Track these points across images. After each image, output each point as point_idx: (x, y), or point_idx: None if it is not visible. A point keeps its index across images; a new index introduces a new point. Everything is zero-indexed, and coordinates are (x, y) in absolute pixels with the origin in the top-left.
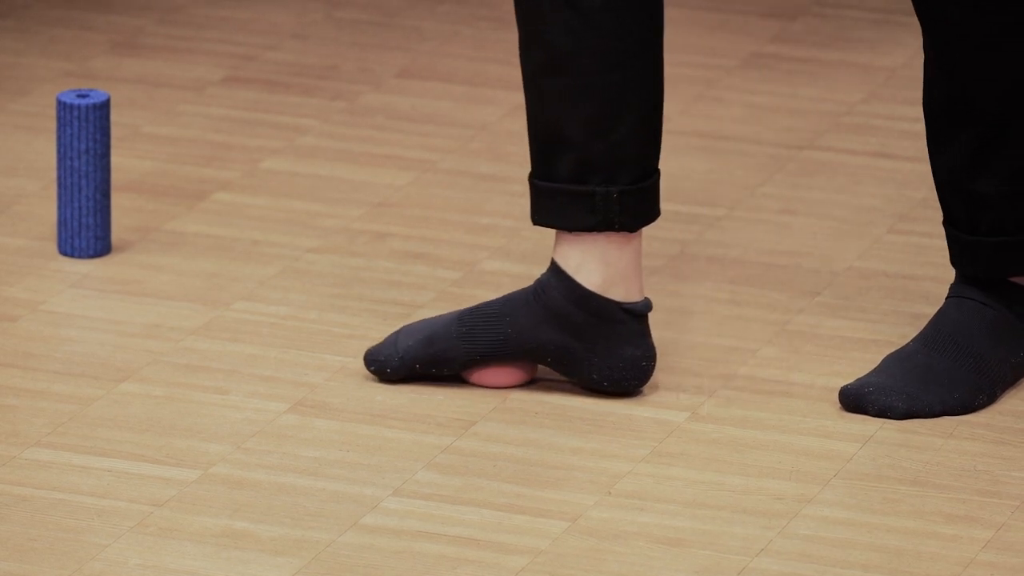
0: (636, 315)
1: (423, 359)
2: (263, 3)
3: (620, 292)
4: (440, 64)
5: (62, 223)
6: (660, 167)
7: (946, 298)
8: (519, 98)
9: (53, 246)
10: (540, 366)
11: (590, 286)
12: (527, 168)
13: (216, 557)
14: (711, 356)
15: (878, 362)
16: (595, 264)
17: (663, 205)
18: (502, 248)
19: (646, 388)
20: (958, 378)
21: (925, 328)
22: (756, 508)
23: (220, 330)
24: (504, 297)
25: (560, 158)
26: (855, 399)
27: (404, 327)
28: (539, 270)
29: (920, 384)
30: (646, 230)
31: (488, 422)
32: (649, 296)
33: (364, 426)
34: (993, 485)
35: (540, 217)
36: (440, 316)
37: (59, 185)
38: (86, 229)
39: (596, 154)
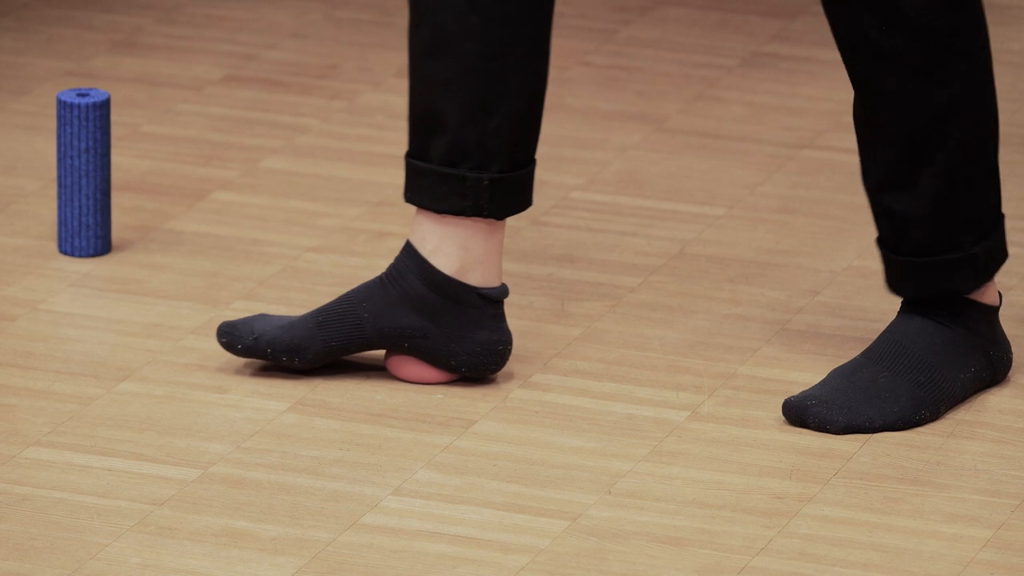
0: (492, 300)
1: (277, 344)
2: (262, 2)
3: (477, 277)
4: None
5: (62, 222)
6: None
7: (897, 312)
8: None
9: (53, 245)
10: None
11: (446, 270)
12: None
13: (216, 556)
14: (711, 355)
15: None
16: (453, 248)
17: (663, 204)
18: None
19: (646, 387)
20: (900, 392)
21: (873, 343)
22: (756, 507)
23: None
24: (359, 286)
25: (434, 140)
26: (797, 412)
27: (264, 314)
28: (538, 269)
29: (862, 398)
30: (642, 229)
31: (488, 421)
32: (649, 295)
33: (364, 425)
34: (993, 484)
35: (412, 196)
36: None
37: (59, 184)
38: (86, 228)
39: (469, 140)
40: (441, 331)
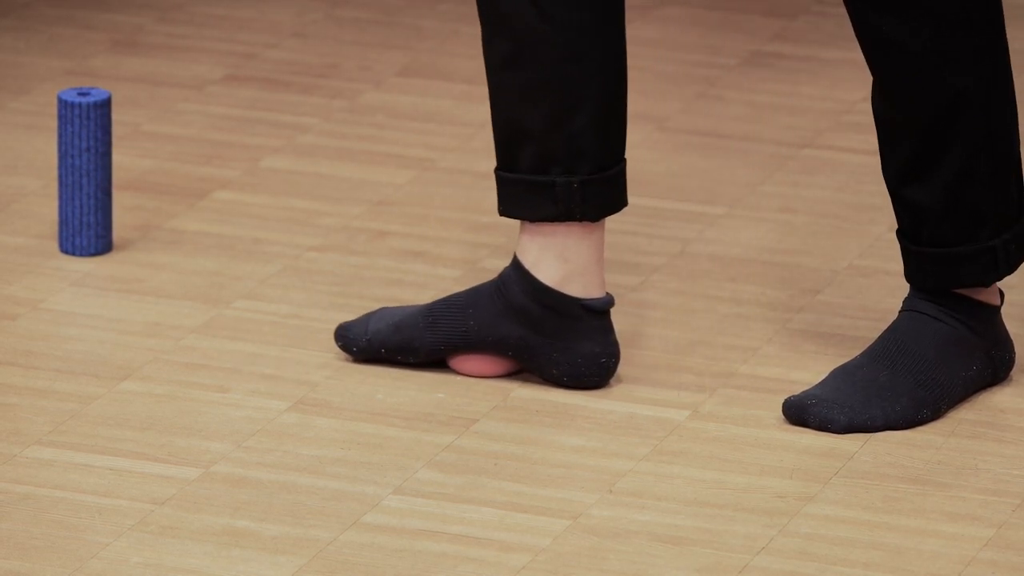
0: (595, 312)
1: (389, 345)
2: (263, 1)
3: (578, 288)
4: (440, 62)
5: (63, 221)
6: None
7: (899, 311)
8: None
9: (54, 244)
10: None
11: (548, 281)
12: None
13: (217, 555)
14: (712, 354)
15: None
16: (552, 259)
17: (665, 203)
18: (502, 246)
19: (647, 386)
20: (901, 392)
21: (874, 342)
22: (757, 506)
23: (221, 328)
24: (471, 289)
25: (521, 149)
26: (797, 411)
27: (381, 309)
28: None
29: (863, 398)
30: (643, 228)
31: (489, 420)
32: (650, 295)
33: (365, 424)
34: (994, 483)
35: (505, 208)
36: (414, 305)
37: (60, 183)
38: (87, 227)
39: (555, 145)
40: (545, 341)
